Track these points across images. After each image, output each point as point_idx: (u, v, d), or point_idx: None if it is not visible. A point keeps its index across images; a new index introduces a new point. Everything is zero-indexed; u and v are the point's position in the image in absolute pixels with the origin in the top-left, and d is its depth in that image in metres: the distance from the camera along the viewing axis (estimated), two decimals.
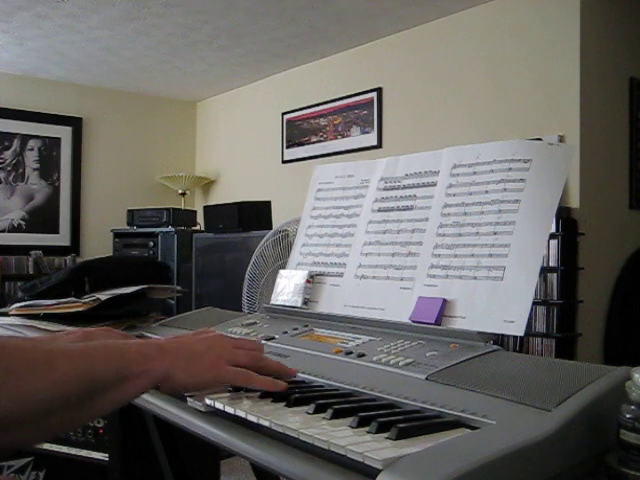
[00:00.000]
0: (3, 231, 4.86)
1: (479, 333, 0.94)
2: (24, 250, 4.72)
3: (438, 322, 1.00)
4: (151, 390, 0.96)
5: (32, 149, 5.00)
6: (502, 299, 0.95)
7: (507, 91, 3.39)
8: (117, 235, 4.89)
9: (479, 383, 0.78)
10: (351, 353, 0.98)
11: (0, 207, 4.86)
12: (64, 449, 1.73)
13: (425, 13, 3.69)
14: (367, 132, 4.17)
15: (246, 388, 0.83)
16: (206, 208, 4.19)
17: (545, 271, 2.85)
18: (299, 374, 0.92)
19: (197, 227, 4.78)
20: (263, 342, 1.13)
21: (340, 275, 1.24)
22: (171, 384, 0.77)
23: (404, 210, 1.18)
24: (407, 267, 1.12)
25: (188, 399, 0.86)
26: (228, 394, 0.84)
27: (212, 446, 0.83)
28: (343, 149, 4.31)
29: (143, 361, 0.74)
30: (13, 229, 4.91)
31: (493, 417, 0.67)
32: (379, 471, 0.56)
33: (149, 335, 1.35)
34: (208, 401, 0.82)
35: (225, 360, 0.80)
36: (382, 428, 0.65)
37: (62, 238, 5.10)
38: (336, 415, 0.71)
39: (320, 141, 4.51)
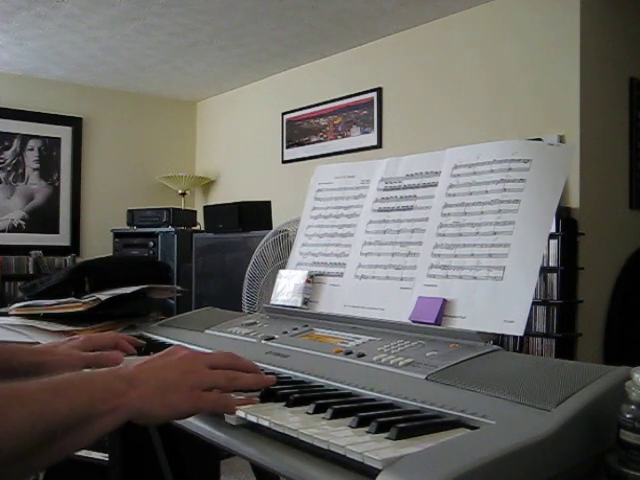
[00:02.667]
0: (3, 231, 4.86)
1: (479, 333, 0.94)
2: (24, 250, 4.72)
3: (438, 322, 1.00)
4: None
5: (32, 149, 5.00)
6: (502, 299, 0.95)
7: (507, 91, 3.39)
8: (117, 235, 4.89)
9: (479, 383, 0.77)
10: (351, 353, 0.98)
11: (0, 207, 4.86)
12: None
13: (425, 13, 3.69)
14: (367, 132, 4.17)
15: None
16: (206, 208, 4.19)
17: (545, 271, 2.84)
18: (299, 374, 0.92)
19: (197, 227, 4.78)
20: (263, 342, 1.13)
21: (340, 275, 1.24)
22: (145, 418, 0.72)
23: (404, 210, 1.18)
24: (407, 267, 1.12)
25: None
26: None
27: (212, 446, 0.83)
28: (343, 149, 4.31)
29: (111, 398, 0.68)
30: (13, 229, 4.91)
31: (493, 417, 0.67)
32: (379, 471, 0.56)
33: (149, 335, 1.35)
34: None
35: (200, 387, 0.75)
36: (382, 428, 0.65)
37: (62, 238, 5.10)
38: (336, 415, 0.71)
39: (320, 141, 4.51)
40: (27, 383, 0.66)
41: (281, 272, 1.36)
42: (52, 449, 0.64)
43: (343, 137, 4.34)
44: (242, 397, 0.79)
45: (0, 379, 0.69)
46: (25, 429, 0.61)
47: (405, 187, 1.20)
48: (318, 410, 0.73)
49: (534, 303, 2.81)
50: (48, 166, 5.06)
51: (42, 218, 5.02)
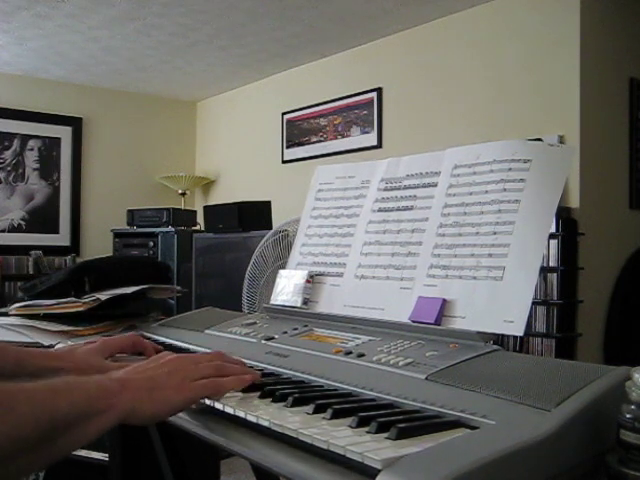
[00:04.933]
0: (3, 231, 4.86)
1: (479, 333, 0.94)
2: (24, 250, 4.72)
3: (438, 322, 1.00)
4: None
5: (32, 149, 5.00)
6: (502, 299, 0.95)
7: (507, 91, 3.39)
8: (117, 235, 4.89)
9: (479, 383, 0.77)
10: (351, 353, 0.98)
11: (0, 207, 4.86)
12: None
13: (425, 13, 3.69)
14: (367, 132, 4.17)
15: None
16: (206, 208, 4.19)
17: (545, 271, 2.85)
18: (299, 374, 0.92)
19: (197, 227, 4.78)
20: (263, 342, 1.13)
21: (340, 275, 1.24)
22: (138, 418, 0.75)
23: (404, 210, 1.18)
24: (407, 267, 1.12)
25: None
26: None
27: (212, 446, 0.83)
28: (343, 149, 4.31)
29: (106, 397, 0.72)
30: (13, 229, 4.91)
31: (493, 417, 0.67)
32: (379, 471, 0.56)
33: (149, 335, 1.35)
34: (208, 401, 0.82)
35: (189, 379, 0.79)
36: (382, 428, 0.65)
37: (62, 238, 5.10)
38: (336, 415, 0.71)
39: (320, 141, 4.51)
40: (29, 383, 0.69)
41: (281, 272, 1.36)
42: (54, 445, 0.66)
43: (343, 137, 4.34)
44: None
45: (13, 380, 0.73)
46: (30, 423, 0.63)
47: (405, 187, 1.20)
48: (318, 410, 0.73)
49: (534, 303, 2.81)
50: (48, 166, 5.06)
51: (42, 218, 5.02)
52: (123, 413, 0.73)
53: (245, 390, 0.84)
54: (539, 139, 2.77)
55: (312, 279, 1.28)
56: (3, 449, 0.61)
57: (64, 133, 5.11)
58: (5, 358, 0.94)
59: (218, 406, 0.80)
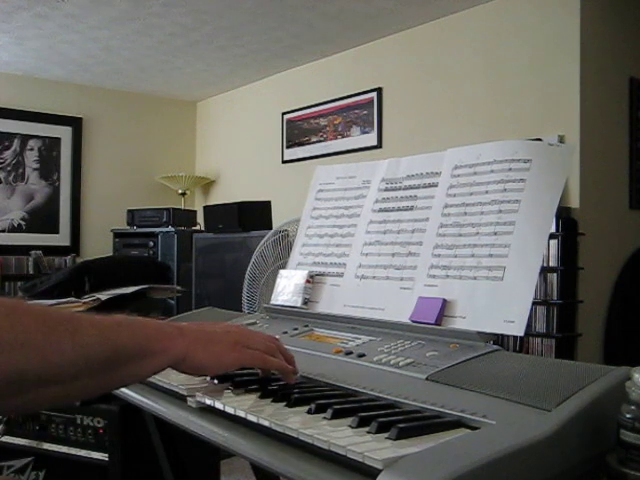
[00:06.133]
0: (3, 231, 4.85)
1: (479, 333, 0.94)
2: (24, 250, 4.72)
3: (438, 322, 1.00)
4: (151, 389, 0.96)
5: (32, 149, 4.99)
6: (502, 299, 0.95)
7: (507, 91, 3.39)
8: (117, 235, 4.89)
9: (479, 383, 0.78)
10: (351, 353, 0.98)
11: (0, 207, 4.86)
12: (64, 449, 1.73)
13: (425, 13, 3.69)
14: (367, 132, 4.17)
15: (246, 388, 0.83)
16: (206, 208, 4.19)
17: (545, 271, 2.84)
18: (299, 374, 0.92)
19: (197, 227, 4.78)
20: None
21: (340, 275, 1.24)
22: (189, 364, 0.78)
23: (404, 210, 1.18)
24: (407, 267, 1.12)
25: (188, 399, 0.86)
26: (228, 391, 0.84)
27: (212, 446, 0.83)
28: (343, 149, 4.31)
29: (163, 339, 0.76)
30: (13, 229, 4.90)
31: (493, 417, 0.67)
32: (379, 471, 0.56)
33: None
34: (208, 401, 0.82)
35: (242, 344, 0.83)
36: (382, 428, 0.65)
37: (62, 238, 5.10)
38: (336, 415, 0.71)
39: (320, 141, 4.51)
40: (95, 315, 0.73)
41: (281, 272, 1.36)
42: (116, 373, 0.71)
43: (343, 137, 4.34)
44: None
45: None
46: (95, 346, 0.68)
47: (406, 187, 1.20)
48: (318, 410, 0.73)
49: (534, 303, 2.80)
50: (48, 166, 5.06)
51: (42, 218, 5.02)
52: (175, 358, 0.76)
53: (246, 390, 0.84)
54: (539, 139, 2.77)
55: (312, 279, 1.28)
56: (71, 365, 0.65)
57: (64, 133, 5.10)
58: None
59: (218, 406, 0.80)
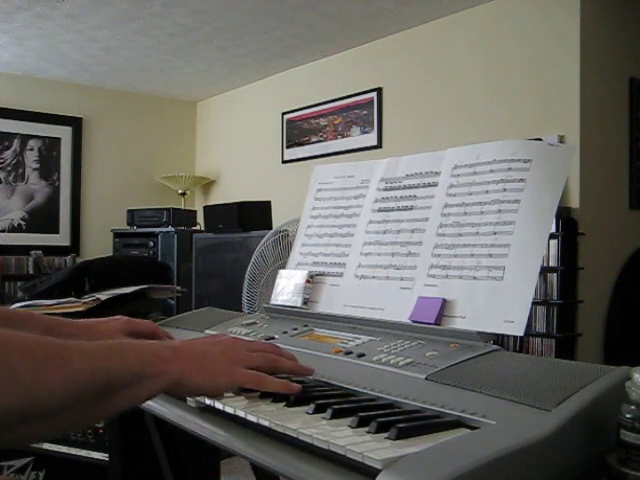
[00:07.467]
0: (3, 231, 4.86)
1: (479, 333, 0.94)
2: (24, 250, 4.72)
3: (438, 322, 1.00)
4: None
5: (32, 149, 4.99)
6: (502, 299, 0.95)
7: (507, 91, 3.39)
8: (117, 235, 4.89)
9: (479, 383, 0.77)
10: (351, 353, 0.98)
11: (0, 207, 4.86)
12: (64, 449, 1.73)
13: (425, 13, 3.69)
14: (367, 132, 4.17)
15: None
16: (206, 208, 4.19)
17: (545, 271, 2.84)
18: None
19: (197, 227, 4.78)
20: (263, 342, 1.13)
21: (340, 275, 1.24)
22: (185, 387, 0.76)
23: (404, 210, 1.18)
24: (407, 267, 1.12)
25: (188, 398, 0.86)
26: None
27: (212, 446, 0.83)
28: (343, 149, 4.31)
29: (158, 363, 0.74)
30: (13, 229, 4.91)
31: (493, 417, 0.67)
32: (379, 471, 0.56)
33: None
34: (208, 401, 0.82)
35: (239, 364, 0.80)
36: (382, 428, 0.65)
37: (62, 238, 5.10)
38: (336, 415, 0.71)
39: (320, 141, 4.51)
40: (88, 342, 0.72)
41: (281, 272, 1.36)
42: (109, 402, 0.69)
43: (343, 137, 4.34)
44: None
45: None
46: (86, 377, 0.66)
47: (405, 187, 1.20)
48: (318, 410, 0.73)
49: (534, 303, 2.81)
50: (48, 166, 5.06)
51: (42, 218, 5.02)
52: (172, 381, 0.74)
53: (246, 390, 0.84)
54: (539, 139, 2.77)
55: (312, 279, 1.28)
56: (62, 399, 0.64)
57: (64, 133, 5.10)
58: (33, 327, 0.95)
59: (218, 406, 0.80)
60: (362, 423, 0.67)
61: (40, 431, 0.66)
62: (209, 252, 4.03)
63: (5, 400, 0.60)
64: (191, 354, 0.78)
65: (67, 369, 0.65)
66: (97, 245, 5.05)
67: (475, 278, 1.00)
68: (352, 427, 0.67)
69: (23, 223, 4.95)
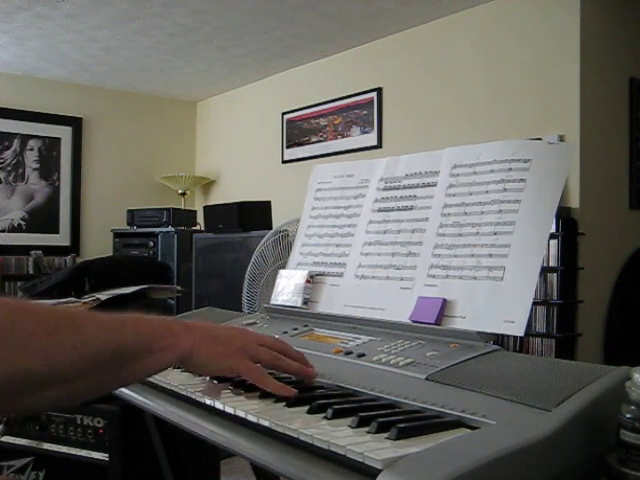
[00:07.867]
0: (3, 231, 4.85)
1: (479, 333, 0.94)
2: (24, 250, 4.72)
3: (438, 322, 1.00)
4: (151, 389, 0.96)
5: (32, 149, 4.99)
6: (502, 299, 0.95)
7: (507, 91, 3.39)
8: (117, 235, 4.89)
9: (479, 383, 0.77)
10: (351, 353, 0.98)
11: (0, 207, 4.86)
12: (64, 449, 1.73)
13: (425, 13, 3.69)
14: (367, 132, 4.17)
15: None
16: (206, 208, 4.19)
17: (545, 271, 2.84)
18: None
19: (197, 227, 4.78)
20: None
21: (340, 275, 1.24)
22: (192, 363, 0.78)
23: (404, 210, 1.18)
24: (407, 267, 1.12)
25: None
26: (228, 391, 0.84)
27: (212, 446, 0.83)
28: (343, 149, 4.31)
29: (169, 336, 0.75)
30: (13, 229, 4.90)
31: (493, 417, 0.67)
32: (379, 471, 0.56)
33: None
34: (208, 401, 0.82)
35: (246, 353, 0.81)
36: (382, 428, 0.65)
37: (62, 238, 5.10)
38: (336, 415, 0.71)
39: (320, 141, 4.51)
40: (100, 313, 0.73)
41: (281, 272, 1.36)
42: (121, 371, 0.71)
43: (343, 137, 4.34)
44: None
45: None
46: (99, 345, 0.68)
47: (405, 187, 1.20)
48: (318, 410, 0.73)
49: (534, 303, 2.80)
50: (48, 166, 5.06)
51: (42, 218, 5.02)
52: (181, 355, 0.76)
53: (245, 390, 0.84)
54: (539, 139, 2.77)
55: (312, 279, 1.28)
56: (75, 364, 0.66)
57: (64, 133, 5.10)
58: None
59: (218, 406, 0.80)
60: (362, 423, 0.67)
61: (55, 397, 0.67)
62: (209, 252, 4.03)
63: (23, 362, 0.62)
64: (201, 332, 0.79)
65: (80, 334, 0.67)
66: (97, 245, 5.05)
67: (475, 278, 1.00)
68: (352, 427, 0.67)
69: (23, 223, 4.95)
